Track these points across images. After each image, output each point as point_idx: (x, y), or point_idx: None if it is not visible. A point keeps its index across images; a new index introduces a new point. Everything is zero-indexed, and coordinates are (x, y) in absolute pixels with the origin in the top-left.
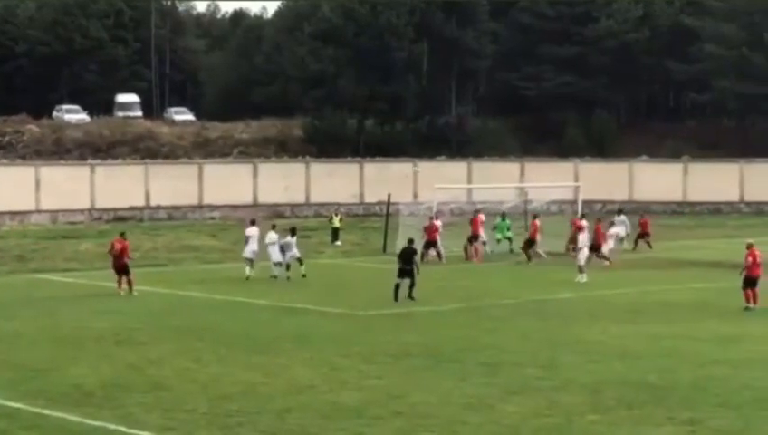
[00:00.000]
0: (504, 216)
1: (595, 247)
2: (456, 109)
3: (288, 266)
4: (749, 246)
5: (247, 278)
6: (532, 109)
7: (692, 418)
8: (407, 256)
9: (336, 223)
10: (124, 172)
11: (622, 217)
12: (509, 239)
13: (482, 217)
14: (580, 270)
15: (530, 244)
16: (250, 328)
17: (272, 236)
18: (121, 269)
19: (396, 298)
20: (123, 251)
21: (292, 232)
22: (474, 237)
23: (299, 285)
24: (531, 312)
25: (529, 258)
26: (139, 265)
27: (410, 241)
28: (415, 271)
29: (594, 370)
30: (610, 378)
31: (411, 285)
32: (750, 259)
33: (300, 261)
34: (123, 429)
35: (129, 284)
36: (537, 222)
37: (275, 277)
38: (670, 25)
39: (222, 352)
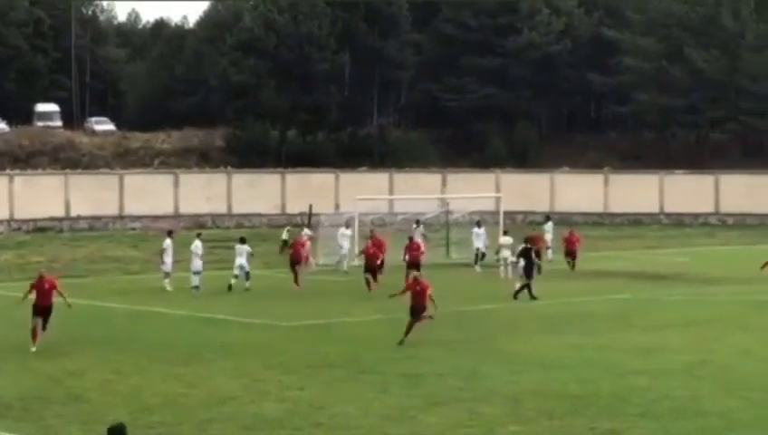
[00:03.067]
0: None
1: (570, 254)
2: (378, 120)
3: (248, 275)
4: None
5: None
6: (455, 120)
7: (613, 428)
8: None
9: (285, 235)
10: (44, 182)
11: (549, 224)
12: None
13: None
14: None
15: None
16: (171, 339)
17: (197, 244)
18: (46, 311)
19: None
20: (51, 289)
21: (242, 240)
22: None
23: (220, 295)
24: (452, 323)
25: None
26: (60, 276)
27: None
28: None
29: (515, 380)
30: (532, 388)
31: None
32: None
33: (247, 274)
34: None
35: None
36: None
37: (197, 288)
38: (591, 37)
39: (143, 363)
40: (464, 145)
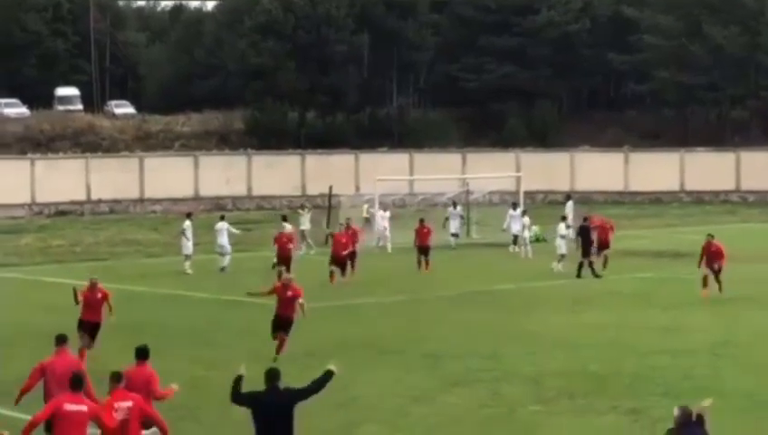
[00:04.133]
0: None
1: (603, 245)
2: (397, 100)
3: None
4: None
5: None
6: (474, 100)
7: (634, 407)
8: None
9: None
10: (65, 166)
11: (569, 204)
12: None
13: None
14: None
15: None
16: (192, 322)
17: (221, 225)
18: (94, 328)
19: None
20: (102, 301)
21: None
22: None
23: (241, 277)
24: (472, 303)
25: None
26: (81, 259)
27: (584, 219)
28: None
29: (536, 360)
30: (552, 368)
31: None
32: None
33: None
34: None
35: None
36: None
37: (223, 269)
38: (610, 16)
39: (163, 346)
40: (483, 125)
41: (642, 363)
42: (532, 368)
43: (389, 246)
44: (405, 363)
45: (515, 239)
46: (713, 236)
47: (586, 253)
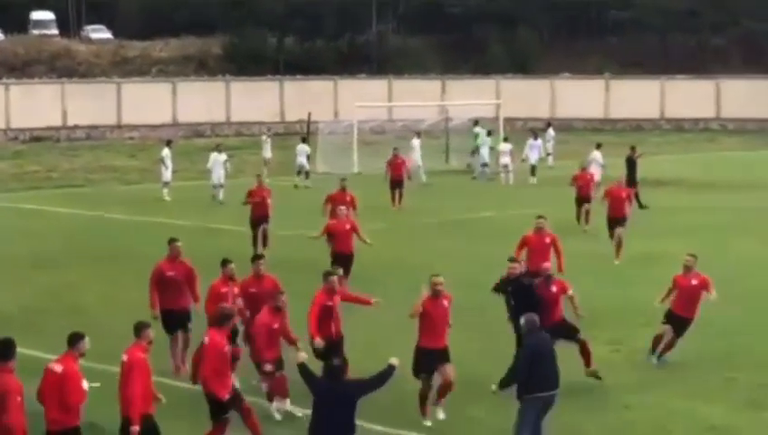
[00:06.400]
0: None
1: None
2: (377, 26)
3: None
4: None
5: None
6: (454, 26)
7: (614, 338)
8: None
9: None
10: (40, 91)
11: (550, 131)
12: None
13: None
14: None
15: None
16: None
17: (215, 156)
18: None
19: None
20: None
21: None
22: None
23: (219, 205)
24: (452, 231)
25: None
26: (57, 185)
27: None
28: None
29: None
30: None
31: None
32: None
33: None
34: (40, 354)
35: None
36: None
37: (220, 201)
38: None
39: (143, 275)
40: (463, 51)
41: (624, 294)
42: None
43: (424, 176)
44: (384, 295)
45: (533, 169)
46: (620, 182)
47: (631, 183)
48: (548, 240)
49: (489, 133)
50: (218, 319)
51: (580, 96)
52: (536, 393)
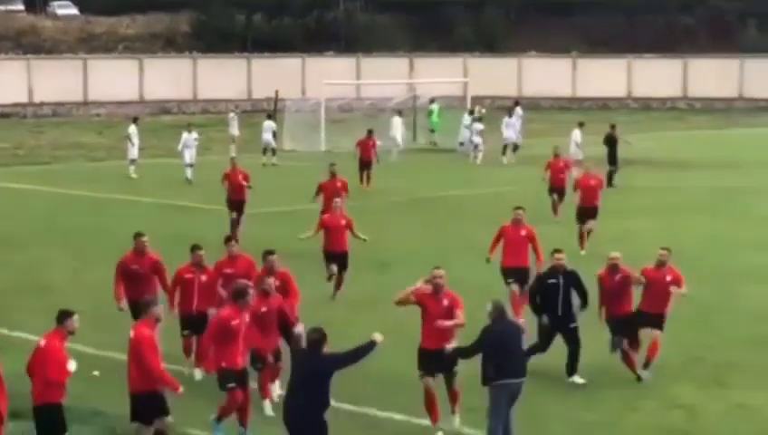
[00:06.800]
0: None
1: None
2: (345, 4)
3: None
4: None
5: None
6: (422, 4)
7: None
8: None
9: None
10: (6, 68)
11: (518, 110)
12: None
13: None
14: None
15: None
16: (138, 228)
17: (186, 136)
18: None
19: None
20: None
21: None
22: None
23: (189, 185)
24: (421, 209)
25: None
26: (24, 162)
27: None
28: None
29: (486, 268)
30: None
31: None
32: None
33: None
34: (5, 332)
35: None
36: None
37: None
38: None
39: (110, 253)
40: (431, 30)
41: (590, 273)
42: (483, 276)
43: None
44: (352, 271)
45: (514, 147)
46: (588, 171)
47: (612, 161)
48: (524, 233)
49: (471, 112)
50: (234, 295)
51: (548, 75)
52: (502, 380)
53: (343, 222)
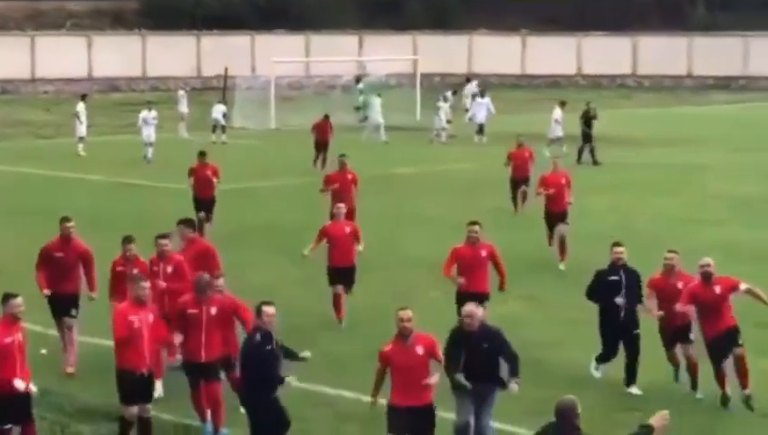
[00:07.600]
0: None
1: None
2: None
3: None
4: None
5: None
6: None
7: (532, 293)
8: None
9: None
10: None
11: (471, 85)
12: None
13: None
14: None
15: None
16: (87, 205)
17: (144, 114)
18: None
19: None
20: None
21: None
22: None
23: (137, 162)
24: (369, 187)
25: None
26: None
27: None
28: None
29: (434, 246)
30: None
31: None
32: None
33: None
34: None
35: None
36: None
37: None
38: None
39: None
40: (381, 7)
41: (539, 248)
42: (432, 254)
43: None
44: (300, 250)
45: (481, 128)
46: (556, 167)
47: (587, 138)
48: (484, 253)
49: (455, 93)
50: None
51: (498, 52)
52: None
53: (348, 230)
